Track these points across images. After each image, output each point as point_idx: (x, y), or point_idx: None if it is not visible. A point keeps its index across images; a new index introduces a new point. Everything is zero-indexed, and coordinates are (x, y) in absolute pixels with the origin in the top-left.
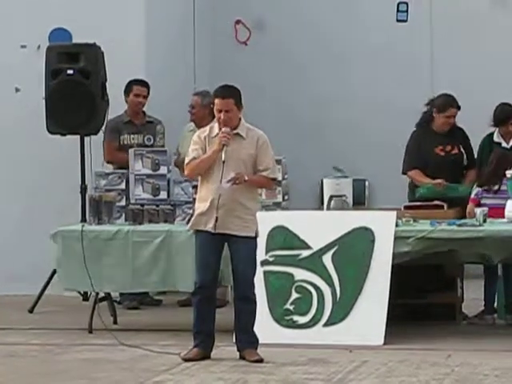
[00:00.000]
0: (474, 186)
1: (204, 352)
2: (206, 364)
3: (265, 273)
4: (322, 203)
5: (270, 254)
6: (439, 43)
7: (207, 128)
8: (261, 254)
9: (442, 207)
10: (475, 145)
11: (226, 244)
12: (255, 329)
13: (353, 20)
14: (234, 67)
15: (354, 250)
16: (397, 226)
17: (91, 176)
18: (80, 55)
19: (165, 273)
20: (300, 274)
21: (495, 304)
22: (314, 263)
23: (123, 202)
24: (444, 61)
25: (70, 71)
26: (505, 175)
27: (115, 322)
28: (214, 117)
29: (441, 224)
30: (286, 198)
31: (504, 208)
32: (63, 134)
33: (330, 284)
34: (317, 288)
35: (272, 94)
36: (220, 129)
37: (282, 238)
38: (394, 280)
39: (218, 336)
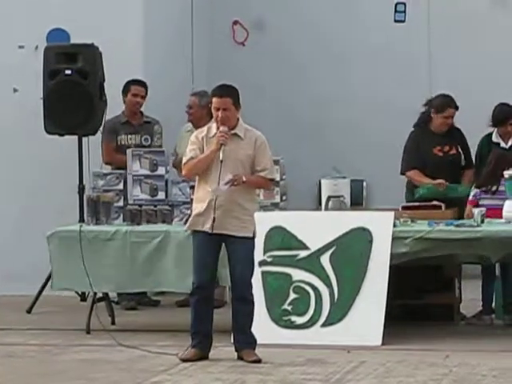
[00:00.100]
0: (473, 188)
1: (202, 352)
2: (204, 364)
3: (263, 273)
4: (320, 204)
5: (268, 254)
6: (437, 43)
7: (205, 128)
8: (259, 255)
9: (439, 208)
10: (473, 145)
11: (223, 244)
12: (253, 329)
13: (351, 20)
14: (231, 67)
15: (351, 251)
16: (394, 226)
17: (89, 176)
18: (78, 55)
19: (163, 273)
20: (298, 274)
21: (493, 304)
22: (311, 264)
23: (121, 203)
24: (442, 61)
25: (67, 71)
26: (503, 176)
27: (113, 323)
28: (211, 117)
29: (439, 224)
30: (283, 198)
31: (502, 208)
32: (61, 135)
33: (328, 284)
34: (315, 288)
35: (270, 95)
36: (218, 128)
37: (280, 238)
38: (391, 280)
39: (216, 336)
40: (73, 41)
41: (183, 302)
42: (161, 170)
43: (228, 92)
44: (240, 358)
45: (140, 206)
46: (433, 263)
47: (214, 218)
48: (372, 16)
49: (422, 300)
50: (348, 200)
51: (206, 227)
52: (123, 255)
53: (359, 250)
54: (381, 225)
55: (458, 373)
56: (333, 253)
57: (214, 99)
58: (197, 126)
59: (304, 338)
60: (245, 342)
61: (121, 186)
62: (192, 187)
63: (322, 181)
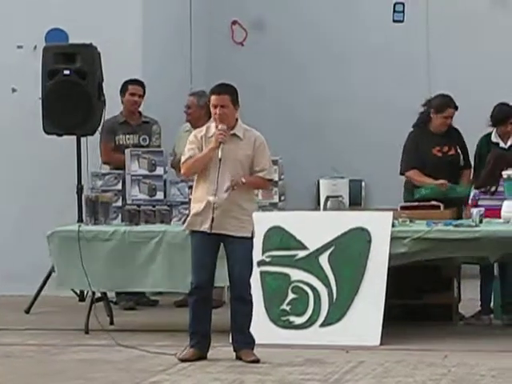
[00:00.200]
0: (472, 189)
1: (200, 352)
2: (203, 364)
3: (261, 273)
4: (319, 204)
5: (267, 254)
6: (436, 43)
7: (204, 128)
8: (257, 255)
9: (438, 208)
10: (472, 145)
11: (221, 244)
12: (251, 329)
13: (350, 20)
14: (230, 68)
15: (350, 251)
16: (393, 226)
17: (88, 176)
18: (76, 56)
19: (161, 273)
20: (296, 274)
21: (491, 304)
22: (310, 264)
23: (119, 203)
24: (441, 61)
25: (66, 72)
26: (501, 176)
27: (111, 323)
28: (210, 117)
29: (437, 224)
30: (282, 198)
31: (501, 209)
32: (59, 135)
33: (327, 284)
34: (313, 288)
35: (269, 95)
36: (216, 126)
37: (279, 238)
38: (390, 280)
39: (215, 336)
40: (71, 41)
41: (181, 302)
42: (159, 170)
43: (226, 90)
44: (238, 358)
45: (138, 206)
46: (431, 263)
47: (213, 218)
48: (371, 16)
49: (420, 300)
50: (347, 200)
51: (205, 227)
52: (122, 255)
53: (358, 250)
54: (379, 225)
55: (456, 373)
56: (331, 253)
57: (213, 97)
58: (195, 126)
59: (302, 338)
60: (243, 342)
61: (119, 186)
62: (190, 187)
63: (321, 181)
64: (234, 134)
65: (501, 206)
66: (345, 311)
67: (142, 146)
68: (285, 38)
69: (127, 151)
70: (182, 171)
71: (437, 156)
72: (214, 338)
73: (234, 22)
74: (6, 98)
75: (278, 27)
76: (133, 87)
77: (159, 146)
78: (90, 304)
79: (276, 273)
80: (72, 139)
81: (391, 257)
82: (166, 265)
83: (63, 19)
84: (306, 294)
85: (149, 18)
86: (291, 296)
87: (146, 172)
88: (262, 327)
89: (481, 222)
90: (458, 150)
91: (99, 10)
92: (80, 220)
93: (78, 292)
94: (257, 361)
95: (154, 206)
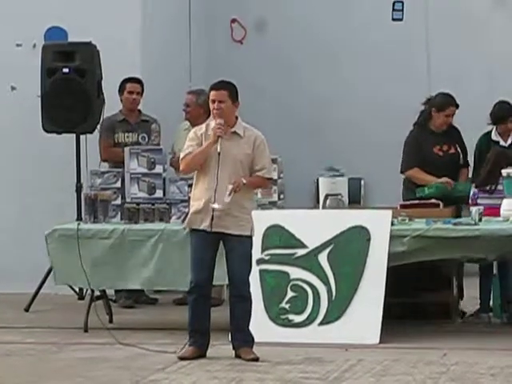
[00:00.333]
0: (472, 188)
1: (199, 351)
2: (202, 363)
3: (260, 271)
4: (318, 202)
5: (266, 252)
6: (435, 42)
7: (204, 125)
8: (256, 253)
9: (437, 206)
10: (472, 144)
11: (221, 243)
12: (251, 327)
13: (349, 18)
14: (229, 66)
15: (349, 249)
16: (392, 224)
17: (87, 174)
18: (75, 54)
19: (160, 271)
20: (296, 272)
21: (491, 302)
22: (309, 262)
23: (119, 201)
24: (440, 59)
25: (65, 70)
26: (501, 174)
27: (111, 321)
28: (209, 115)
29: (436, 223)
30: (281, 196)
31: (500, 207)
32: (59, 133)
33: (326, 283)
34: (312, 287)
35: (268, 93)
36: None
37: (278, 236)
38: (389, 279)
39: (214, 335)
40: (71, 39)
41: (181, 300)
42: (158, 168)
43: (224, 85)
44: (238, 356)
45: (138, 204)
46: (430, 262)
47: (213, 216)
48: (370, 15)
49: (419, 298)
50: (346, 198)
51: (205, 225)
52: (121, 253)
53: (357, 249)
54: (378, 223)
55: (455, 371)
56: (330, 251)
57: (211, 92)
58: (194, 125)
59: (302, 337)
60: (242, 341)
61: (118, 184)
62: (190, 185)
63: (320, 179)
64: (235, 132)
65: (500, 204)
66: (344, 309)
67: (141, 145)
68: (284, 37)
69: (126, 149)
70: (180, 167)
71: (438, 155)
72: (214, 336)
73: (233, 21)
74: (5, 96)
75: (276, 25)
76: (131, 85)
77: (158, 145)
78: (90, 302)
79: (275, 271)
80: (71, 137)
81: (391, 257)
82: (166, 263)
83: (62, 17)
84: (305, 292)
85: (148, 16)
86: (290, 294)
87: (145, 170)
88: (261, 325)
89: (480, 220)
90: (458, 149)
91: (98, 8)
92: (79, 218)
93: (78, 290)
94: (256, 359)
95: (153, 204)
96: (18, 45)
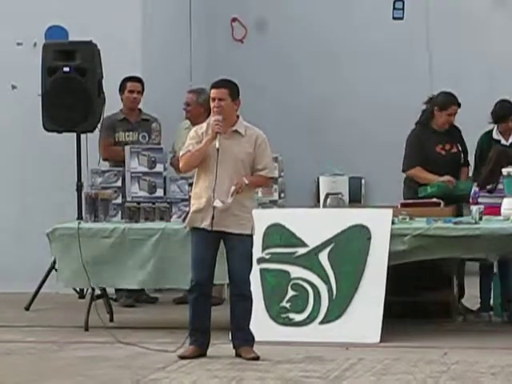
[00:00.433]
0: (474, 186)
1: (200, 349)
2: (202, 362)
3: (261, 270)
4: (319, 201)
5: (267, 251)
6: (436, 41)
7: (204, 124)
8: (257, 252)
9: (438, 205)
10: (473, 143)
11: (221, 241)
12: (251, 326)
13: (349, 18)
14: (230, 65)
15: (350, 248)
16: (393, 223)
17: (87, 173)
18: (76, 53)
19: (161, 270)
20: (296, 271)
21: (491, 301)
22: (310, 261)
23: (119, 200)
24: (441, 58)
25: (66, 69)
26: (501, 173)
27: (111, 320)
28: (209, 114)
29: (437, 221)
30: (282, 195)
31: (501, 207)
32: (59, 132)
33: (327, 281)
34: (313, 286)
35: (269, 92)
36: None
37: (279, 235)
38: (390, 278)
39: (214, 333)
40: (71, 38)
41: (181, 299)
42: (159, 167)
43: (225, 84)
44: (238, 355)
45: (138, 203)
46: (431, 260)
47: (214, 215)
48: (370, 14)
49: (420, 297)
50: (346, 197)
51: (205, 224)
52: (121, 252)
53: (357, 248)
54: (379, 222)
55: (456, 370)
56: (331, 250)
57: (212, 90)
58: (194, 124)
59: (302, 336)
60: (243, 339)
61: (119, 183)
62: (190, 184)
63: (321, 178)
64: (236, 131)
65: (500, 203)
66: (344, 308)
67: (142, 144)
68: (284, 36)
69: (127, 148)
70: (180, 165)
71: (440, 154)
72: (214, 335)
73: (234, 20)
74: (5, 94)
75: (277, 24)
76: (131, 84)
77: (159, 144)
78: (90, 301)
79: (276, 270)
80: (72, 136)
81: (391, 254)
82: (166, 262)
83: (63, 16)
84: (306, 291)
85: (148, 15)
86: (291, 293)
87: (145, 169)
88: (261, 324)
89: (480, 219)
90: (459, 148)
91: (99, 7)
92: (80, 217)
93: (78, 289)
94: (256, 358)
95: (153, 203)
96: (18, 44)
